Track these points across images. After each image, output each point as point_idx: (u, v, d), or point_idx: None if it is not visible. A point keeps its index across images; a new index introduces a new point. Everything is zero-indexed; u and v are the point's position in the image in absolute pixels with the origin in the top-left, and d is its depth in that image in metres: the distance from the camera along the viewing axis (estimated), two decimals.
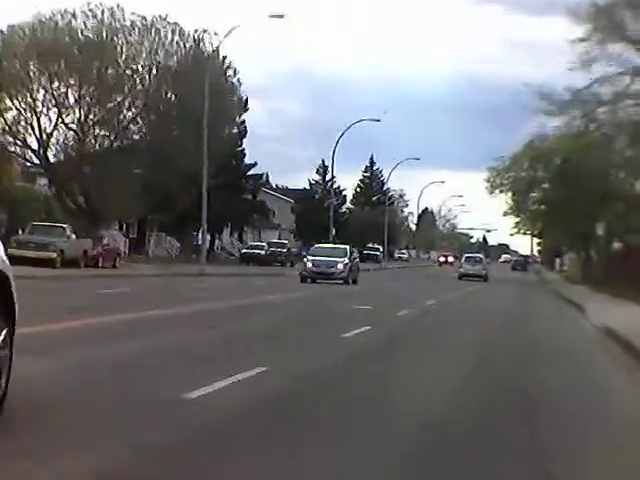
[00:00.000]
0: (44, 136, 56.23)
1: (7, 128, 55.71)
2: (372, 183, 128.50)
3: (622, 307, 32.59)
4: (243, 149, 79.43)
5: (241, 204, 78.51)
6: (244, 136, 78.12)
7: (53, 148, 56.06)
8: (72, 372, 10.93)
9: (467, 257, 75.94)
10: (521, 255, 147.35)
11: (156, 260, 61.86)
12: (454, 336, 20.81)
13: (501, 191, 70.32)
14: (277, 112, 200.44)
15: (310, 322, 22.34)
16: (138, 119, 57.35)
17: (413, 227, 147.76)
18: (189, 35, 58.50)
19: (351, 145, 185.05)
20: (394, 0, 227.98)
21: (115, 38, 56.25)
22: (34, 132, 56.03)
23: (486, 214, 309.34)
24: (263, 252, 77.12)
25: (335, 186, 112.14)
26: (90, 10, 56.31)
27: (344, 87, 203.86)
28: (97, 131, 56.88)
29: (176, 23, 58.05)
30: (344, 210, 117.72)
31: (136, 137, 57.93)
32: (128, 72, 56.17)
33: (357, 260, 48.61)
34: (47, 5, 75.18)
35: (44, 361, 11.41)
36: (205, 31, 58.54)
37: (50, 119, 56.63)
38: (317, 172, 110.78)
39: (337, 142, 76.41)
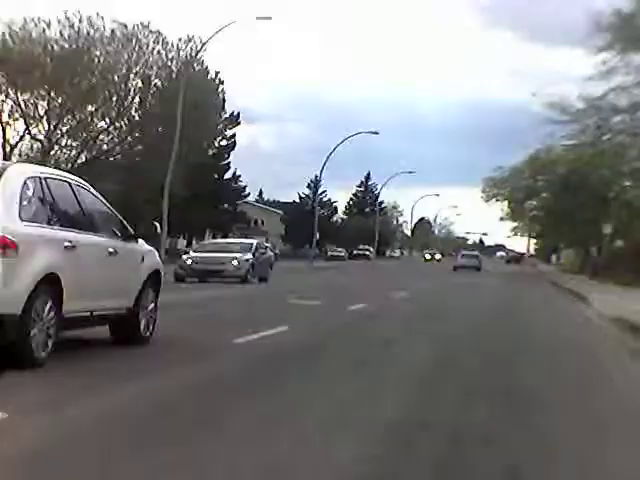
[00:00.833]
0: (7, 147, 53.41)
1: None
2: (365, 197, 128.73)
3: (630, 295, 30.60)
4: (229, 162, 77.57)
5: (220, 214, 77.43)
6: (232, 149, 76.20)
7: (14, 159, 52.57)
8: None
9: (464, 254, 78.90)
10: (517, 252, 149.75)
11: None
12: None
13: (497, 199, 69.68)
14: (283, 133, 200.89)
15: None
16: (110, 129, 55.07)
17: (408, 233, 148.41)
18: (172, 45, 55.74)
19: (350, 164, 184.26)
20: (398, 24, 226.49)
21: (92, 48, 53.53)
22: None
23: (482, 221, 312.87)
24: None
25: (326, 198, 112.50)
26: (67, 18, 53.55)
27: (350, 110, 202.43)
28: (66, 141, 54.65)
29: (159, 31, 55.31)
30: (335, 220, 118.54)
31: (105, 148, 55.51)
32: (103, 82, 53.61)
33: (269, 256, 41.87)
34: (20, 13, 71.54)
35: None
36: (190, 39, 55.44)
37: (17, 130, 54.29)
38: (308, 186, 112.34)
39: (330, 153, 72.52)
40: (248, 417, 7.77)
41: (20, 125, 53.99)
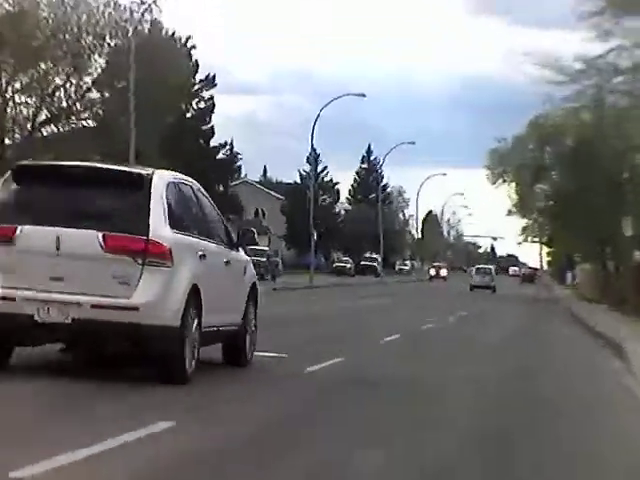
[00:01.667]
0: None
1: None
2: (369, 177, 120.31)
3: None
4: (212, 126, 73.29)
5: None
6: (211, 111, 72.69)
7: None
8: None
9: (477, 269, 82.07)
10: (530, 267, 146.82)
11: None
12: None
13: (504, 180, 63.14)
14: (283, 107, 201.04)
15: None
16: (67, 86, 53.15)
17: (415, 234, 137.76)
18: (124, 8, 53.01)
19: (350, 142, 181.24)
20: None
21: (40, 11, 51.87)
22: None
23: (490, 216, 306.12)
24: None
25: (327, 179, 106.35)
26: None
27: (350, 86, 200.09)
28: (20, 98, 52.78)
29: None
30: (338, 211, 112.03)
31: (65, 105, 53.60)
32: (54, 41, 51.72)
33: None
34: None
35: None
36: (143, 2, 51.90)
37: None
38: (307, 161, 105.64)
39: (317, 117, 66.42)
40: None
41: None
